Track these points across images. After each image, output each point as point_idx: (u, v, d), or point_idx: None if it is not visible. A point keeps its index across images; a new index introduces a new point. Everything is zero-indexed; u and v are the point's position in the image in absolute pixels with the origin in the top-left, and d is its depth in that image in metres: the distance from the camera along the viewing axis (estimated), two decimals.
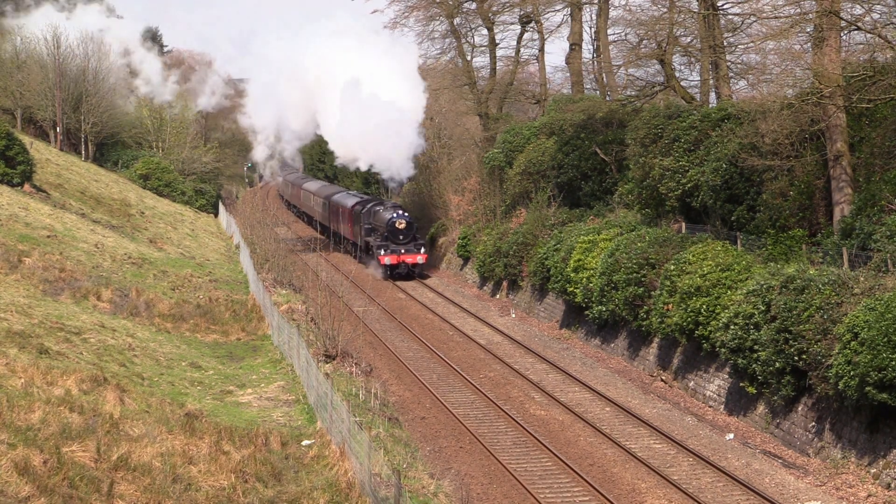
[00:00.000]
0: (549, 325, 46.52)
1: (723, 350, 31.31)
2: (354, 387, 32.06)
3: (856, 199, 32.01)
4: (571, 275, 42.75)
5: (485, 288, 56.40)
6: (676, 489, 25.54)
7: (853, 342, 25.38)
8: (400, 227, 59.49)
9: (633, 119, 46.40)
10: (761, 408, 30.65)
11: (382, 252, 59.35)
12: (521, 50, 68.38)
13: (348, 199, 69.89)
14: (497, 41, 67.71)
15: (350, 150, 64.84)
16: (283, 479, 21.67)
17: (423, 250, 59.96)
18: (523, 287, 51.13)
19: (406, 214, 60.40)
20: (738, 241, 35.86)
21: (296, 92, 68.33)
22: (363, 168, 66.47)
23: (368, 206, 64.09)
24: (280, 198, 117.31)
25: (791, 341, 28.06)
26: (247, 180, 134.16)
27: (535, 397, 34.57)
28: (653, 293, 36.65)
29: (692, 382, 34.73)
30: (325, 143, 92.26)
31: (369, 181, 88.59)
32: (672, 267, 35.51)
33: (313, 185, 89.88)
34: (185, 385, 30.10)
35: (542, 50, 66.83)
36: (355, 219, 65.32)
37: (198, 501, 19.45)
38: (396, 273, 59.49)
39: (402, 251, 59.55)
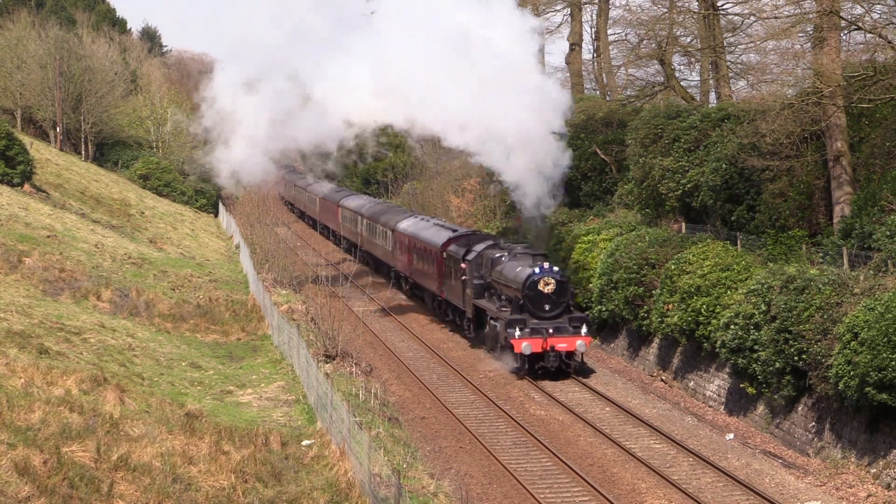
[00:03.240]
0: None
1: (723, 350, 31.31)
2: (354, 387, 32.05)
3: (856, 199, 32.00)
4: (571, 275, 42.76)
5: None
6: (676, 489, 25.54)
7: (853, 342, 25.37)
8: (547, 289, 36.59)
9: (633, 119, 46.40)
10: (761, 408, 30.65)
11: (517, 332, 35.92)
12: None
13: (435, 234, 46.70)
14: None
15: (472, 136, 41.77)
16: (283, 479, 21.67)
17: (584, 328, 36.53)
18: None
19: (556, 269, 37.19)
20: (738, 241, 35.85)
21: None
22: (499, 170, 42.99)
23: (479, 249, 40.95)
24: (287, 206, 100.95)
25: (791, 341, 28.06)
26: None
27: (534, 397, 34.56)
28: (653, 293, 36.65)
29: (692, 382, 34.73)
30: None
31: (369, 181, 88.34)
32: (672, 267, 35.51)
33: (355, 201, 68.49)
34: (185, 385, 30.10)
35: (541, 50, 66.80)
36: (452, 266, 42.80)
37: (198, 501, 19.45)
38: (540, 367, 36.30)
39: (551, 330, 36.04)
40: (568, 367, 36.47)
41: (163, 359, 32.78)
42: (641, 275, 37.40)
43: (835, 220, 33.17)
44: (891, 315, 24.51)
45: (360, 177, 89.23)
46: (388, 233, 55.12)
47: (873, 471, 25.18)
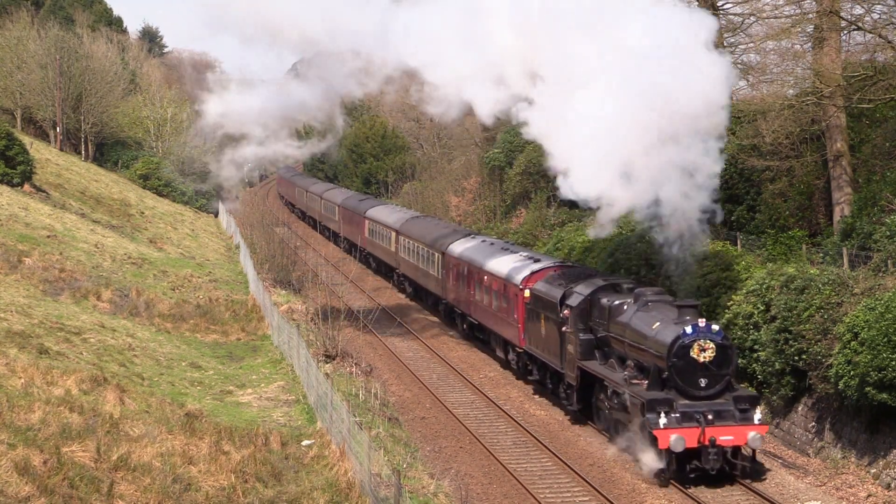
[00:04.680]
0: None
1: None
2: (354, 387, 32.05)
3: (856, 199, 32.03)
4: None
5: None
6: (677, 489, 25.52)
7: (853, 342, 25.38)
8: (704, 356, 26.00)
9: None
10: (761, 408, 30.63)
11: (662, 419, 25.49)
12: None
13: (510, 264, 37.01)
14: None
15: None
16: (283, 479, 21.67)
17: (758, 412, 26.19)
18: None
19: (714, 327, 26.52)
20: (738, 241, 35.86)
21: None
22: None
23: (586, 291, 30.55)
24: (297, 213, 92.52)
25: (791, 341, 28.05)
26: (247, 180, 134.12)
27: (534, 397, 34.56)
28: None
29: None
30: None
31: (369, 180, 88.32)
32: (672, 267, 35.49)
33: (387, 213, 58.28)
34: (185, 385, 30.10)
35: None
36: (542, 311, 32.79)
37: (198, 501, 19.45)
38: (694, 468, 25.73)
39: (710, 416, 25.64)
40: (734, 469, 25.75)
41: (163, 359, 32.78)
42: (641, 275, 37.37)
43: (835, 221, 33.19)
44: (891, 315, 24.51)
45: (361, 177, 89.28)
46: (436, 256, 45.19)
47: (873, 471, 25.18)
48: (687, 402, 25.80)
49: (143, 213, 67.25)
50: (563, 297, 31.07)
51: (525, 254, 38.22)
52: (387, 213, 58.14)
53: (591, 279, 31.44)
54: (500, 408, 33.12)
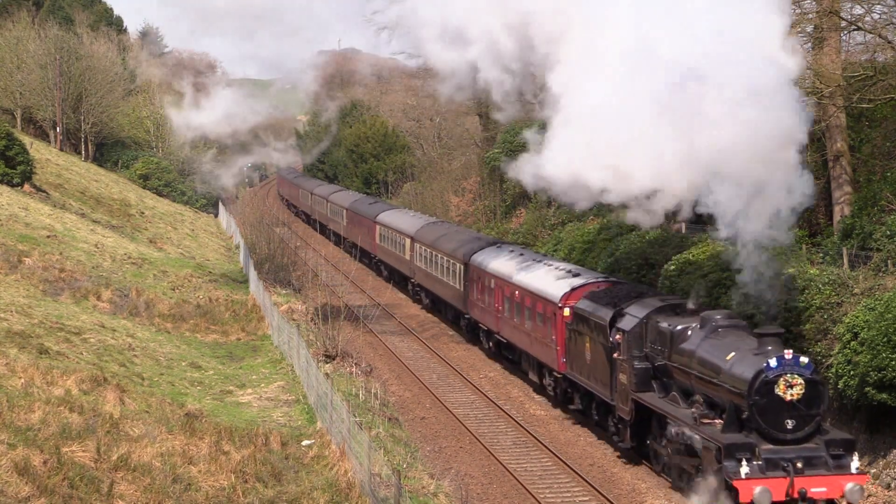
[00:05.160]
0: None
1: None
2: (354, 387, 32.06)
3: (856, 199, 32.02)
4: None
5: None
6: (677, 489, 25.52)
7: (853, 342, 25.38)
8: (791, 394, 22.24)
9: None
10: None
11: (744, 468, 21.59)
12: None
13: (545, 278, 33.82)
14: None
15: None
16: (283, 479, 21.67)
17: (855, 459, 22.23)
18: None
19: (803, 359, 22.59)
20: (738, 242, 35.79)
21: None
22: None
23: (641, 313, 26.95)
24: (300, 215, 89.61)
25: (791, 341, 28.03)
26: (246, 180, 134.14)
27: (534, 397, 34.55)
28: None
29: None
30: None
31: (369, 180, 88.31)
32: (672, 267, 35.48)
33: (401, 218, 55.21)
34: (185, 385, 30.09)
35: None
36: (587, 334, 29.42)
37: (198, 501, 19.46)
38: None
39: (799, 464, 21.84)
40: None
41: (163, 359, 32.79)
42: (641, 275, 37.37)
43: (835, 221, 33.19)
44: (891, 315, 24.50)
45: (361, 177, 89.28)
46: (458, 267, 42.06)
47: (873, 471, 25.17)
48: (772, 447, 21.93)
49: (143, 213, 67.27)
50: (614, 319, 27.52)
51: (559, 265, 34.82)
52: (400, 218, 55.05)
53: (642, 298, 27.88)
54: (501, 408, 33.12)
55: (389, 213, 57.88)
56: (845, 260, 29.93)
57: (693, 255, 35.14)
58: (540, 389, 34.22)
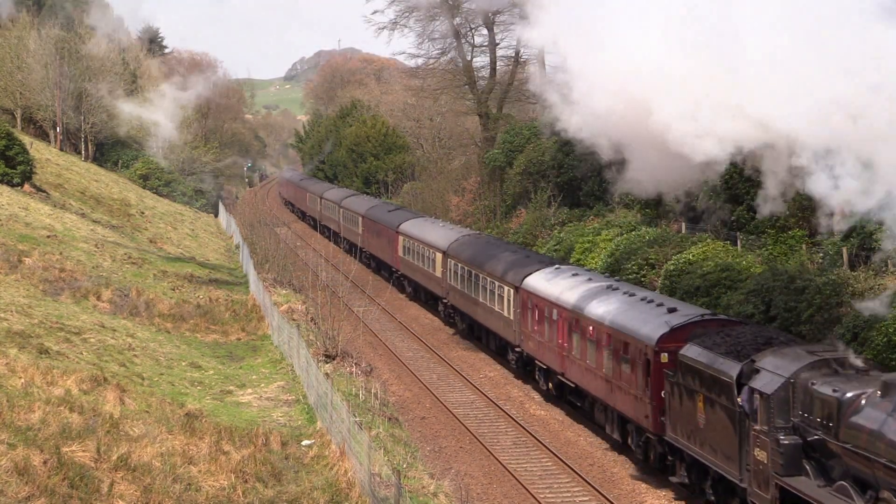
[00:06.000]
0: None
1: None
2: (354, 387, 32.06)
3: None
4: None
5: None
6: (676, 488, 25.52)
7: (853, 342, 25.38)
8: None
9: None
10: None
11: None
12: (521, 50, 68.36)
13: (628, 311, 27.97)
14: (497, 41, 67.68)
15: None
16: (283, 479, 21.67)
17: None
18: None
19: None
20: (738, 241, 35.86)
21: None
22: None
23: (785, 370, 20.37)
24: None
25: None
26: (246, 180, 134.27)
27: (534, 397, 34.55)
28: None
29: None
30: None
31: (369, 180, 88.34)
32: (672, 267, 35.50)
33: (430, 229, 49.66)
34: (185, 385, 30.09)
35: (542, 49, 66.74)
36: (704, 392, 22.84)
37: (198, 501, 19.45)
38: None
39: None
40: None
41: (163, 359, 32.78)
42: (641, 275, 37.39)
43: (835, 220, 33.16)
44: (891, 315, 24.52)
45: (361, 177, 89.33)
46: (508, 292, 36.66)
47: None
48: None
49: (143, 212, 67.29)
50: (743, 375, 21.23)
51: (641, 294, 29.11)
52: (429, 230, 49.34)
53: (779, 347, 21.75)
54: (501, 408, 33.11)
55: (414, 222, 52.53)
56: (845, 260, 29.94)
57: (693, 255, 35.20)
58: (621, 447, 28.30)
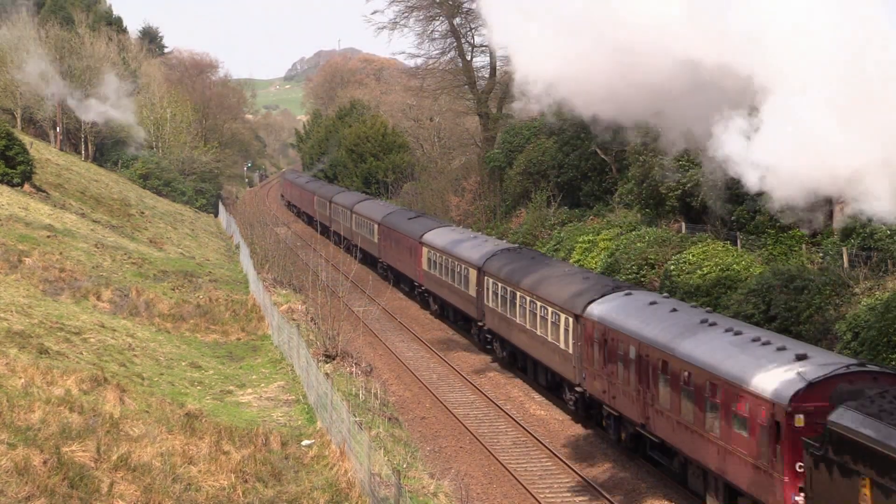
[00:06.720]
0: None
1: None
2: (354, 387, 32.05)
3: None
4: None
5: None
6: (678, 489, 25.52)
7: (853, 342, 25.38)
8: None
9: None
10: None
11: None
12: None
13: (744, 361, 22.04)
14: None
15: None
16: (283, 479, 21.66)
17: None
18: None
19: None
20: (738, 241, 35.85)
21: None
22: None
23: None
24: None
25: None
26: (246, 180, 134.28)
27: (534, 397, 34.54)
28: None
29: None
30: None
31: (369, 180, 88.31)
32: (672, 267, 35.49)
33: (460, 240, 44.77)
34: (185, 385, 30.08)
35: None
36: (853, 463, 17.18)
37: (198, 501, 19.44)
38: None
39: None
40: None
41: (163, 359, 32.77)
42: (641, 275, 37.39)
43: (835, 220, 33.18)
44: (891, 315, 24.51)
45: (361, 177, 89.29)
46: (565, 320, 31.55)
47: None
48: None
49: (143, 212, 67.28)
50: None
51: (755, 335, 23.15)
52: (458, 242, 44.30)
53: None
54: (501, 408, 33.11)
55: (439, 232, 47.42)
56: (845, 260, 29.94)
57: (693, 256, 35.20)
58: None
